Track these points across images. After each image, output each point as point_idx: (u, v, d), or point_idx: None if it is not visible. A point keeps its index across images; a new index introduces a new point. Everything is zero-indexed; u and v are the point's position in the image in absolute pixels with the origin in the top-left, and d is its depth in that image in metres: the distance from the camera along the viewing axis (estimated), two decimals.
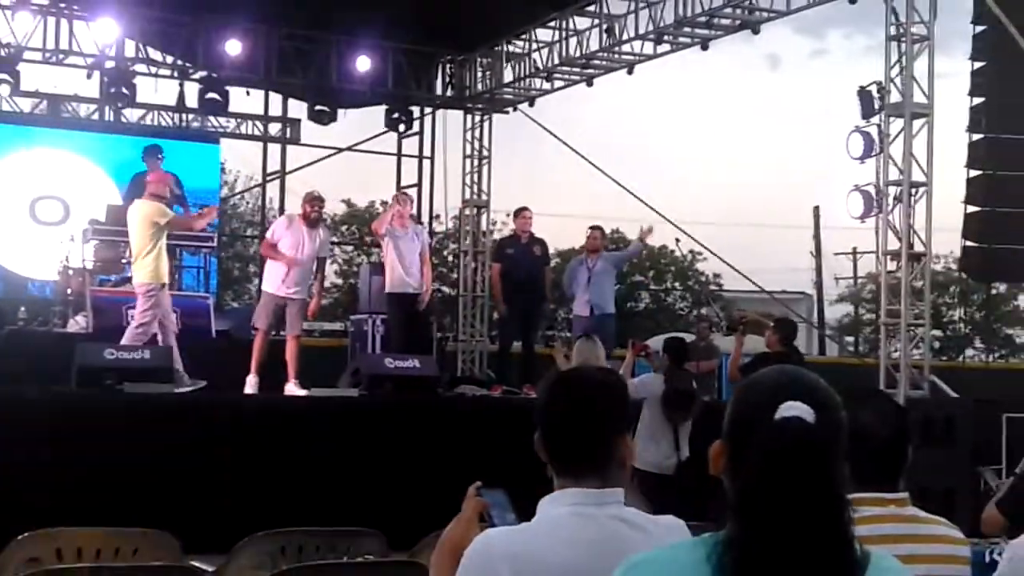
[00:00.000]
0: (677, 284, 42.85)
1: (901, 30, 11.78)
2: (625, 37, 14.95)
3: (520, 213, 14.33)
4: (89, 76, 16.41)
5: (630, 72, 15.63)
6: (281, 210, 17.52)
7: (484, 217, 17.94)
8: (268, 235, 12.06)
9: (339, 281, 39.02)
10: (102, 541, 5.84)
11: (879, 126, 11.94)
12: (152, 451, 9.39)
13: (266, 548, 5.95)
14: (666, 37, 14.74)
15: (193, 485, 9.36)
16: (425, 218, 19.70)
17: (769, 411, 1.82)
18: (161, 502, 8.79)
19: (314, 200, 11.66)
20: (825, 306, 40.21)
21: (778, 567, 1.73)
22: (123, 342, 10.66)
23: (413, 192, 18.60)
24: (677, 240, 17.87)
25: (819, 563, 1.74)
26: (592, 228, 14.04)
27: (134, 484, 9.07)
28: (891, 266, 12.03)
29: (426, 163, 18.50)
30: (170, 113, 17.94)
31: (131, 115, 17.29)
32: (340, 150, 19.75)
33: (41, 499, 8.46)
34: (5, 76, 14.91)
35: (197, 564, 5.74)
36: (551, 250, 15.62)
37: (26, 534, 5.81)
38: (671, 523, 2.63)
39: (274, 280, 11.51)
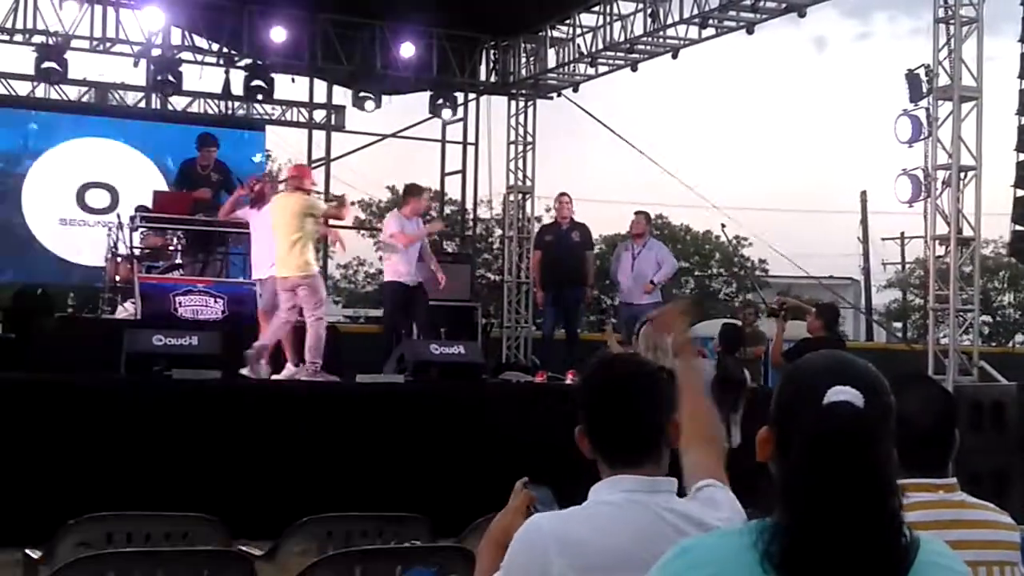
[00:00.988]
0: (722, 270, 42.72)
1: (949, 12, 11.65)
2: (670, 21, 14.87)
3: (558, 199, 14.30)
4: (136, 64, 16.52)
5: (675, 57, 15.54)
6: (326, 196, 17.54)
7: (528, 203, 17.94)
8: None
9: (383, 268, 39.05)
10: (152, 526, 5.92)
11: (927, 109, 11.82)
12: (201, 437, 9.46)
13: (314, 533, 6.01)
14: (711, 21, 14.64)
15: (242, 471, 9.42)
16: (469, 204, 19.76)
17: (817, 396, 1.81)
18: (211, 488, 8.86)
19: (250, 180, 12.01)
20: (873, 292, 39.92)
21: (826, 553, 1.72)
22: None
23: (457, 178, 18.67)
24: (723, 225, 17.81)
25: (868, 549, 1.73)
26: (636, 213, 14.02)
27: (184, 470, 9.15)
28: (940, 251, 11.92)
29: (470, 149, 18.51)
30: (216, 100, 18.03)
31: (177, 103, 17.37)
32: (384, 136, 19.78)
33: (92, 485, 8.56)
34: (53, 64, 15.03)
35: (246, 549, 5.79)
36: (595, 236, 15.54)
37: (77, 519, 5.89)
38: (724, 512, 2.62)
39: None
